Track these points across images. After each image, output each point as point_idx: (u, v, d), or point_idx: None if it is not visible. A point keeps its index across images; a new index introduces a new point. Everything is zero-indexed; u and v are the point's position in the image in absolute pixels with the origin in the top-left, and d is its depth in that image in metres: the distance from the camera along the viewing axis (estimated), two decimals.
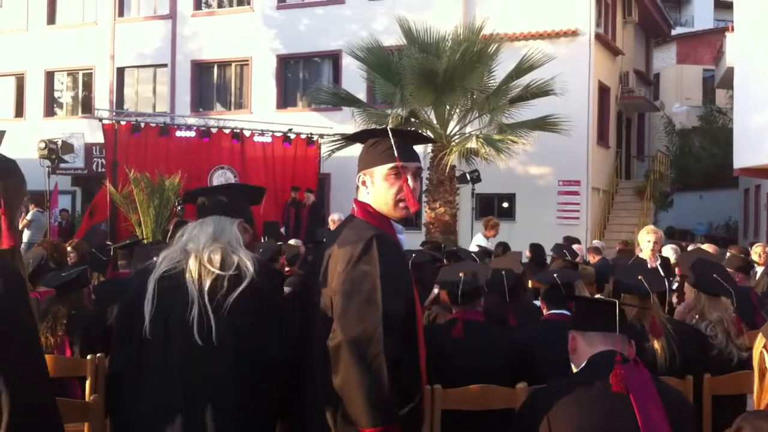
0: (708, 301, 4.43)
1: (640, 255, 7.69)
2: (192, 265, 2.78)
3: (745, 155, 20.04)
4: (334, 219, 12.33)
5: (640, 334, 4.14)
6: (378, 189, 2.83)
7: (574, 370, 2.77)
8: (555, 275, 4.12)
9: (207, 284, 2.74)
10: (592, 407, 2.55)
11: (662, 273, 6.94)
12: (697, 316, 4.45)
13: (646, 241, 7.65)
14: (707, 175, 29.49)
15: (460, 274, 4.04)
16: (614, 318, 2.67)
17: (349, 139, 2.98)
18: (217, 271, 2.75)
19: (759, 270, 9.37)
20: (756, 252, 9.54)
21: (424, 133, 16.57)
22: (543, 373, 3.37)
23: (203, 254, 2.80)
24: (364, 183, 2.88)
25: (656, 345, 4.09)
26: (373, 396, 2.50)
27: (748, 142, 19.71)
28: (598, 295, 6.49)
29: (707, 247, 8.58)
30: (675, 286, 7.01)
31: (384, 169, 2.82)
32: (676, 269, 7.43)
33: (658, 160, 25.67)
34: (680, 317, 4.56)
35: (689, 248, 10.31)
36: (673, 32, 33.69)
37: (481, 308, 4.12)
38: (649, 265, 6.96)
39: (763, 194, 23.62)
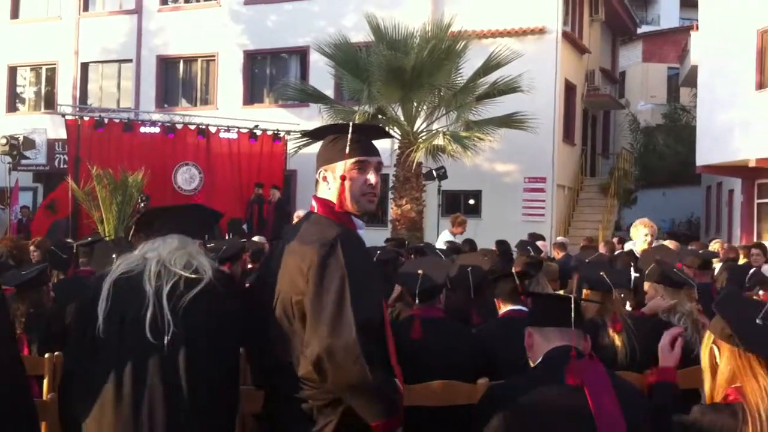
0: (673, 294, 4.48)
1: (634, 249, 7.45)
2: (152, 266, 2.76)
3: (707, 153, 20.32)
4: (299, 215, 12.26)
5: (601, 329, 4.18)
6: (339, 183, 2.82)
7: (532, 365, 2.78)
8: (420, 270, 4.09)
9: (165, 284, 2.72)
10: (548, 401, 2.55)
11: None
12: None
13: (642, 234, 7.43)
14: (671, 173, 29.85)
15: (419, 271, 4.02)
16: (570, 313, 2.68)
17: (309, 136, 2.96)
18: (176, 270, 2.74)
19: (717, 266, 9.50)
20: (714, 248, 9.69)
21: (391, 130, 16.61)
22: (504, 370, 3.37)
23: (165, 257, 2.79)
24: (325, 179, 2.85)
25: (617, 340, 4.12)
26: (367, 394, 2.58)
27: (710, 140, 19.99)
28: (561, 291, 6.55)
29: (669, 243, 8.65)
30: None
31: (347, 163, 2.81)
32: None
33: (622, 157, 25.93)
34: (650, 312, 4.59)
35: (653, 244, 10.41)
36: (639, 31, 34.04)
37: (441, 305, 4.10)
38: None
39: (725, 191, 23.98)
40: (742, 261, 10.24)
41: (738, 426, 2.29)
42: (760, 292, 7.19)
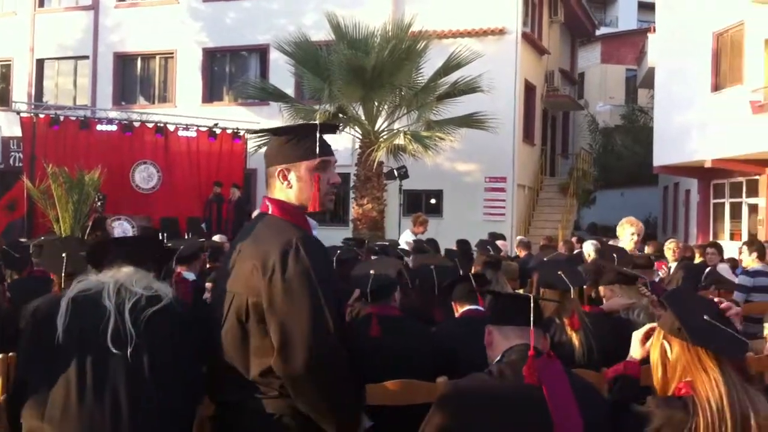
0: (628, 292, 4.53)
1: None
2: (110, 286, 2.76)
3: (664, 153, 20.62)
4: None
5: (559, 328, 4.20)
6: (305, 183, 2.77)
7: (490, 363, 2.78)
8: (372, 270, 4.11)
9: (126, 300, 2.72)
10: (506, 400, 2.56)
11: None
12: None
13: (629, 234, 7.11)
14: (629, 173, 30.25)
15: (371, 271, 4.01)
16: (529, 312, 2.69)
17: (277, 134, 2.90)
18: (136, 290, 2.75)
19: (672, 265, 9.64)
20: (669, 248, 9.82)
21: (352, 129, 16.60)
22: (463, 369, 3.35)
23: (123, 279, 2.79)
24: (285, 177, 2.79)
25: (574, 339, 4.15)
26: (343, 411, 2.68)
27: (667, 141, 20.29)
28: (521, 290, 6.58)
29: None
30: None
31: (312, 163, 2.77)
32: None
33: (581, 157, 26.21)
34: (609, 309, 4.64)
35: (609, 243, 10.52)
36: (598, 32, 34.45)
37: (395, 303, 4.08)
38: None
39: (682, 191, 24.36)
40: (698, 260, 10.39)
41: (689, 419, 2.34)
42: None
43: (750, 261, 8.14)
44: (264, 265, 2.57)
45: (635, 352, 2.78)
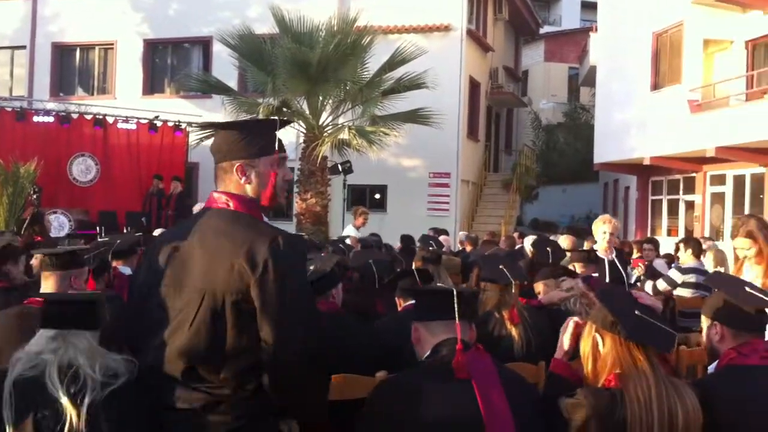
0: (561, 283, 4.59)
1: (595, 248, 6.96)
2: (54, 370, 2.52)
3: (605, 151, 20.98)
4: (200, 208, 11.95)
5: (498, 322, 4.23)
6: (264, 178, 2.73)
7: (420, 359, 2.78)
8: (311, 267, 4.12)
9: (72, 382, 2.50)
10: (437, 395, 2.56)
11: (619, 266, 6.90)
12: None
13: (600, 232, 6.85)
14: (571, 170, 30.70)
15: (310, 267, 3.97)
16: (453, 306, 2.68)
17: (235, 128, 2.84)
18: (91, 373, 2.52)
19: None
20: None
21: (296, 124, 16.48)
22: (403, 364, 3.34)
23: (73, 358, 2.54)
24: (243, 173, 2.72)
25: (513, 332, 4.19)
26: (322, 403, 2.75)
27: (608, 139, 20.64)
28: (463, 285, 6.60)
29: (565, 239, 8.83)
30: None
31: (272, 158, 2.75)
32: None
33: (524, 154, 26.51)
34: (548, 302, 4.70)
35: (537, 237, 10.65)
36: (542, 31, 34.88)
37: (333, 299, 4.05)
38: (605, 259, 6.79)
39: (621, 188, 24.82)
40: (635, 255, 10.57)
41: (617, 409, 2.39)
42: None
43: (686, 258, 8.30)
44: (251, 263, 2.50)
45: (560, 351, 2.82)
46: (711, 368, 2.90)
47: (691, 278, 7.97)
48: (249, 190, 2.73)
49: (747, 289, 2.78)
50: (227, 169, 2.73)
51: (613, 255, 6.92)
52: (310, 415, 2.68)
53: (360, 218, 12.27)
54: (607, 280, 6.67)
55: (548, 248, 5.98)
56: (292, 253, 2.57)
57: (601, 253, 6.82)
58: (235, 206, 2.70)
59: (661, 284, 8.04)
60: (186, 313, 2.56)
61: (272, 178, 2.74)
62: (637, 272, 8.14)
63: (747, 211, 17.37)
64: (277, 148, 2.75)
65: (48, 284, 3.79)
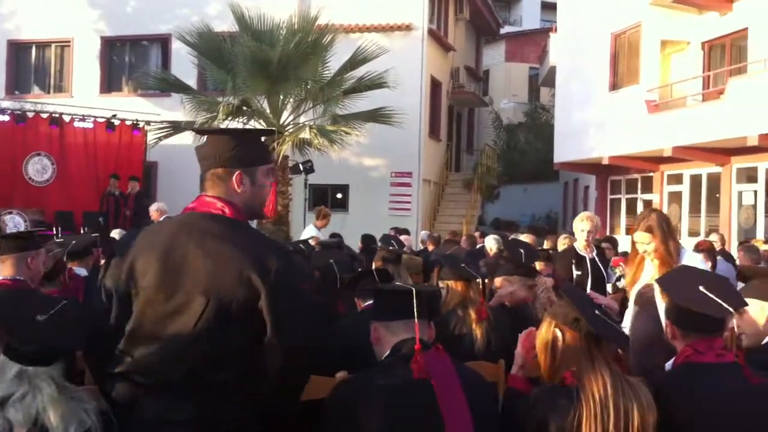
0: (526, 282, 4.60)
1: (576, 246, 6.97)
2: (20, 425, 2.25)
3: (564, 150, 21.17)
4: (160, 209, 11.81)
5: (459, 320, 4.22)
6: (259, 187, 2.75)
7: (379, 359, 2.77)
8: None
9: None
10: (396, 395, 2.54)
11: (599, 264, 6.92)
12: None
13: (579, 230, 6.81)
14: (531, 169, 30.94)
15: None
16: (412, 305, 2.67)
17: (225, 135, 2.83)
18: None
19: None
20: (561, 242, 10.02)
21: (256, 123, 16.35)
22: (363, 363, 3.32)
23: (33, 409, 2.26)
24: (241, 181, 2.70)
25: (477, 330, 4.19)
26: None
27: (567, 138, 20.84)
28: (425, 284, 6.59)
29: (526, 237, 8.89)
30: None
31: (266, 167, 2.78)
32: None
33: (486, 153, 26.63)
34: (498, 300, 4.70)
35: (510, 238, 10.70)
36: (502, 31, 35.10)
37: None
38: (586, 258, 6.85)
39: (581, 187, 25.07)
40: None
41: (573, 407, 2.39)
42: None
43: None
44: (262, 273, 2.51)
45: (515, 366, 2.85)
46: (668, 365, 2.91)
47: None
48: (242, 198, 2.72)
49: (701, 289, 2.75)
50: (223, 176, 2.71)
51: (594, 253, 6.97)
52: (291, 413, 2.80)
53: (323, 220, 12.21)
54: (590, 278, 6.74)
55: (521, 249, 6.02)
56: (297, 266, 2.72)
57: (581, 251, 6.88)
58: (231, 213, 2.68)
59: (622, 282, 8.11)
60: (187, 315, 2.53)
61: (273, 188, 2.79)
62: (618, 271, 8.18)
63: (704, 210, 17.67)
64: (271, 157, 2.79)
65: (5, 268, 3.77)
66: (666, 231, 4.33)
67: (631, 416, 2.39)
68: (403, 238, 10.32)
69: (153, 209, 12.14)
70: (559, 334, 2.55)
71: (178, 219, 2.77)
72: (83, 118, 17.91)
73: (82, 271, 6.07)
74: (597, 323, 2.51)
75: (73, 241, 6.21)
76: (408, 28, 20.75)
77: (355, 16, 20.30)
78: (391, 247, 7.26)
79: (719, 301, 2.68)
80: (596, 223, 6.99)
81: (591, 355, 2.47)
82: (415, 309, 2.66)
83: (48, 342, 2.35)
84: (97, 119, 18.04)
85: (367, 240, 9.86)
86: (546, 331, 2.60)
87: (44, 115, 17.60)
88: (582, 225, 6.82)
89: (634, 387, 2.47)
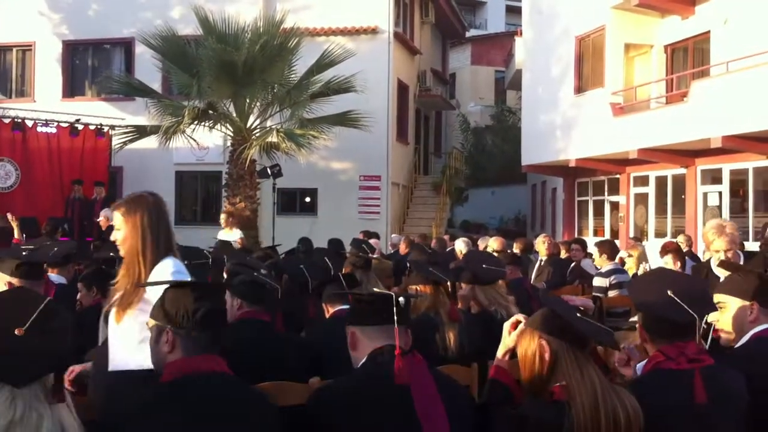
0: (488, 290, 4.58)
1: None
2: None
3: (532, 153, 21.28)
4: (107, 215, 11.91)
5: (433, 323, 4.20)
6: None
7: (356, 365, 2.73)
8: None
9: None
10: (376, 401, 2.53)
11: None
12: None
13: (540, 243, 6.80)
14: (499, 172, 31.09)
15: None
16: (392, 311, 2.64)
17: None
18: None
19: (543, 259, 9.90)
20: (541, 241, 10.08)
21: (223, 127, 16.21)
22: (334, 369, 3.30)
23: None
24: None
25: (450, 333, 4.18)
26: None
27: (534, 141, 20.95)
28: (395, 288, 6.56)
29: (495, 241, 8.91)
30: None
31: None
32: None
33: (453, 156, 26.69)
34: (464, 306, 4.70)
35: (479, 240, 10.73)
36: (468, 34, 35.23)
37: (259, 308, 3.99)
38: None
39: (549, 190, 25.24)
40: (563, 255, 10.72)
41: (564, 422, 2.36)
42: None
43: (601, 261, 8.48)
44: None
45: (505, 346, 2.78)
46: (639, 366, 2.90)
47: (614, 280, 8.13)
48: None
49: (669, 293, 2.72)
50: None
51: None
52: None
53: (228, 225, 12.26)
54: None
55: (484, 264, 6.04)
56: None
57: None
58: None
59: (595, 293, 8.15)
60: None
61: None
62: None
63: (670, 211, 17.88)
64: None
65: None
66: None
67: (619, 422, 2.38)
68: (372, 241, 10.30)
69: (102, 215, 12.10)
70: (545, 344, 2.50)
71: None
72: (46, 123, 17.63)
73: (59, 279, 6.00)
74: (583, 325, 2.49)
75: (55, 248, 6.07)
76: (374, 31, 20.73)
77: (321, 20, 20.23)
78: (361, 253, 7.24)
79: (685, 306, 2.66)
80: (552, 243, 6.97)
81: (578, 363, 2.45)
82: (395, 315, 2.63)
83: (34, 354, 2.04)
84: (61, 124, 17.78)
85: (335, 245, 9.81)
86: (530, 342, 2.55)
87: (6, 120, 17.28)
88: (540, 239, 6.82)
89: (620, 395, 2.45)
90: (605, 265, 8.39)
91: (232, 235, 12.26)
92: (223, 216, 12.59)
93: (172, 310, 2.45)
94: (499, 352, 2.79)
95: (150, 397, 2.41)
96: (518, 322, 2.72)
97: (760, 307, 3.07)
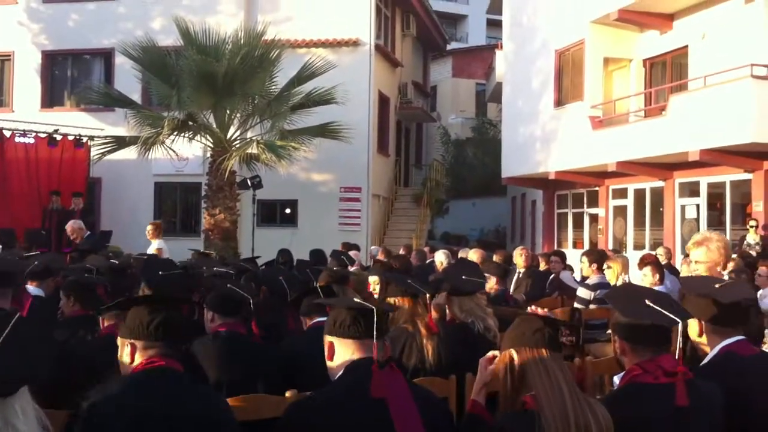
0: (467, 301, 4.57)
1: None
2: None
3: (512, 165, 21.37)
4: (74, 227, 11.82)
5: (410, 336, 4.18)
6: None
7: (332, 376, 2.72)
8: None
9: None
10: (353, 414, 2.52)
11: None
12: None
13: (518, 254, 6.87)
14: (479, 184, 31.20)
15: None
16: (372, 324, 2.63)
17: None
18: None
19: (521, 271, 9.92)
20: (518, 254, 10.09)
21: (203, 138, 16.13)
22: (311, 381, 3.28)
23: None
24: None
25: (428, 345, 4.15)
26: None
27: (514, 153, 21.04)
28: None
29: (474, 252, 8.90)
30: None
31: None
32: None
33: (434, 168, 26.76)
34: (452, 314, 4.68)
35: (460, 252, 10.73)
36: (449, 47, 35.39)
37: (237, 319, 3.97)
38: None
39: (528, 202, 25.34)
40: (543, 267, 10.74)
41: (534, 431, 2.38)
42: None
43: (589, 271, 8.38)
44: None
45: (482, 381, 2.80)
46: (616, 379, 2.91)
47: (599, 294, 8.07)
48: None
49: (647, 302, 2.75)
50: None
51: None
52: None
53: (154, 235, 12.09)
54: None
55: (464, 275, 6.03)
56: None
57: None
58: None
59: (577, 304, 8.11)
60: None
61: None
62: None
63: (648, 223, 18.00)
64: None
65: None
66: None
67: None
68: (352, 253, 10.27)
69: (68, 226, 12.00)
70: (514, 354, 2.53)
71: None
72: (24, 134, 17.51)
73: (36, 291, 5.92)
74: (551, 321, 2.56)
75: (36, 262, 6.18)
76: (355, 43, 20.77)
77: (303, 32, 20.25)
78: (339, 266, 7.23)
79: (666, 312, 2.69)
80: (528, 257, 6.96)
81: (548, 373, 2.46)
82: (374, 329, 2.63)
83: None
84: (39, 134, 17.66)
85: (316, 256, 9.78)
86: (503, 355, 2.60)
87: None
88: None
89: (592, 406, 2.46)
90: (592, 276, 8.29)
91: (153, 245, 11.89)
92: (149, 227, 12.06)
93: (131, 324, 2.69)
94: (475, 388, 2.80)
95: (110, 388, 2.55)
96: (493, 357, 2.73)
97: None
